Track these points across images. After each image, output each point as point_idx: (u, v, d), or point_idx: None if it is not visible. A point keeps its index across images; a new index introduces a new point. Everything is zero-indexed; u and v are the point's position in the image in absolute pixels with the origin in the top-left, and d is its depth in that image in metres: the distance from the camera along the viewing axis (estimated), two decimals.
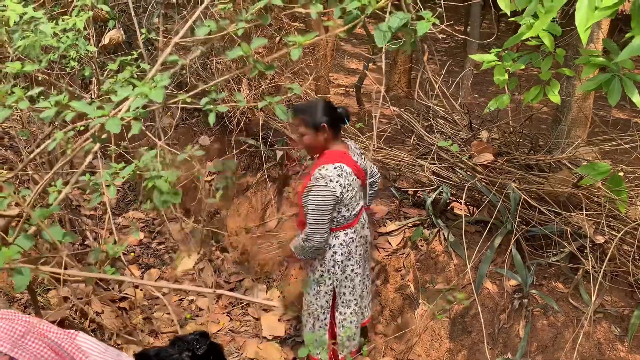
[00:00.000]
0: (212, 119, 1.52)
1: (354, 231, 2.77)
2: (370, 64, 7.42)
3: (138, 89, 1.30)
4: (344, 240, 2.76)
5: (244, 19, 1.72)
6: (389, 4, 1.76)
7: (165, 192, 1.75)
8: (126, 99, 1.39)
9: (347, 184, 2.60)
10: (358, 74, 7.76)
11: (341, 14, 1.66)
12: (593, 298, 2.48)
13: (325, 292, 2.84)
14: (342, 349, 2.95)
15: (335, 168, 2.57)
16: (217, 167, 1.99)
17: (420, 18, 1.76)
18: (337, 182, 2.55)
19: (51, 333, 1.29)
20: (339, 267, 2.79)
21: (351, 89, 7.65)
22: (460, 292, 3.02)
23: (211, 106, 1.55)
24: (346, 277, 2.84)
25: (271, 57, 1.57)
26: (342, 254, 2.78)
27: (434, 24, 1.85)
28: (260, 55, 4.07)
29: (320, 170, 2.56)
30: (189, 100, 1.39)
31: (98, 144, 1.60)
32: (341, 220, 2.69)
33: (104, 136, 1.50)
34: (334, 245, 2.76)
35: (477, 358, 2.89)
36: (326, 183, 2.53)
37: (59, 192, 1.95)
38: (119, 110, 1.41)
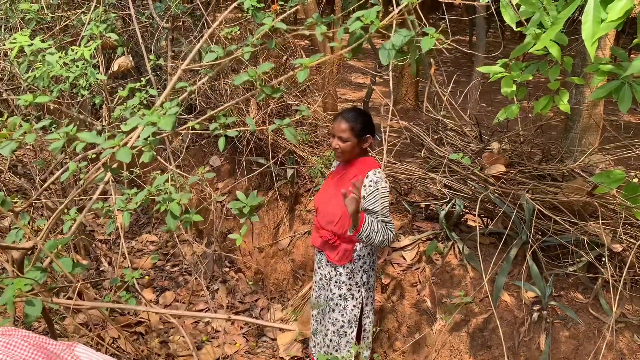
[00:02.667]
0: (221, 144, 1.52)
1: None
2: (377, 78, 7.44)
3: (147, 117, 1.31)
4: (371, 250, 2.82)
5: (250, 44, 1.73)
6: (394, 22, 1.77)
7: (178, 214, 1.76)
8: (136, 127, 1.40)
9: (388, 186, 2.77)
10: (365, 88, 7.77)
11: (345, 33, 1.67)
12: (614, 308, 2.44)
13: (354, 306, 2.83)
14: (362, 358, 2.95)
15: (380, 171, 2.70)
16: (234, 206, 2.00)
17: (424, 34, 1.77)
18: (388, 183, 2.73)
19: (50, 345, 1.29)
20: (367, 277, 2.83)
21: (359, 104, 7.66)
22: (469, 299, 2.99)
23: (220, 131, 1.55)
24: (369, 288, 2.87)
25: (277, 80, 1.58)
26: (369, 264, 2.83)
27: (439, 40, 1.86)
28: (268, 76, 4.09)
29: (375, 173, 2.66)
30: (197, 127, 1.40)
31: (113, 173, 1.61)
32: None
33: (114, 165, 1.51)
34: (363, 255, 2.79)
35: None
36: (386, 182, 2.67)
37: (74, 220, 1.96)
38: (129, 139, 1.42)
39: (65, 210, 1.96)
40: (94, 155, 1.87)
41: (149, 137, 1.32)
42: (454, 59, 12.42)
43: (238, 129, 1.69)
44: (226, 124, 1.73)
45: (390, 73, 2.03)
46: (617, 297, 2.50)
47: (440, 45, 1.90)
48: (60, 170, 1.78)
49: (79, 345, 1.35)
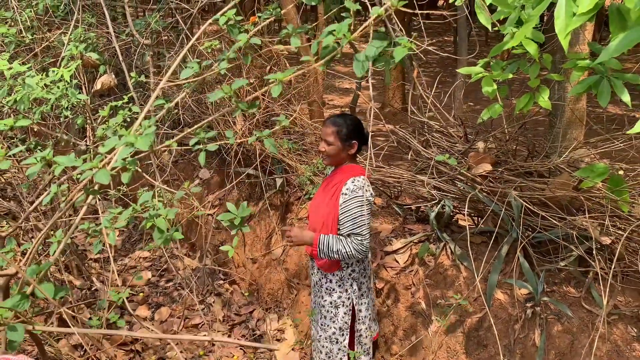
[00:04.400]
0: (202, 159, 1.52)
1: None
2: (363, 82, 7.47)
3: (124, 138, 1.31)
4: (360, 257, 2.79)
5: (225, 58, 1.73)
6: (371, 30, 1.78)
7: (165, 230, 1.76)
8: (114, 148, 1.40)
9: (372, 195, 2.71)
10: (352, 93, 7.80)
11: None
12: (605, 300, 2.45)
13: (345, 313, 2.83)
14: None
15: (363, 179, 2.67)
16: (225, 217, 1.99)
17: (397, 44, 1.78)
18: (370, 191, 2.67)
19: None
20: (357, 285, 2.81)
21: (346, 109, 7.68)
22: (471, 305, 3.00)
23: (200, 146, 1.55)
24: (362, 294, 2.85)
25: (256, 94, 1.58)
26: (359, 271, 2.81)
27: (420, 42, 1.87)
28: (252, 86, 4.10)
29: (353, 181, 2.64)
30: (175, 145, 1.40)
31: (93, 195, 1.60)
32: None
33: (97, 187, 1.51)
34: (352, 263, 2.78)
35: None
36: (363, 193, 2.62)
37: (59, 242, 1.95)
38: (109, 161, 1.41)
39: (52, 233, 1.95)
40: (78, 176, 1.86)
41: (127, 157, 1.32)
42: (439, 59, 12.49)
43: (218, 142, 1.69)
44: (207, 138, 1.73)
45: (370, 80, 2.04)
46: (608, 289, 2.52)
47: (417, 50, 1.91)
48: (44, 194, 1.77)
49: None
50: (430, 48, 2.06)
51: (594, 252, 2.72)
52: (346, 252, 2.60)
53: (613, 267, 2.55)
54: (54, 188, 1.60)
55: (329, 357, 2.90)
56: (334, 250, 2.62)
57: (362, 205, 2.60)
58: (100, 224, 2.07)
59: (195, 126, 1.76)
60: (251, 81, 4.17)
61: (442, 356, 3.08)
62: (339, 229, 2.68)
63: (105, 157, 1.43)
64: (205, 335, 3.95)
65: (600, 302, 2.75)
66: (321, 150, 2.72)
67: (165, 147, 1.57)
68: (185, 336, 1.62)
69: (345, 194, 2.63)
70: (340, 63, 11.65)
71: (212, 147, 1.66)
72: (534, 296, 2.86)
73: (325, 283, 2.82)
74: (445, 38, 16.42)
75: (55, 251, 1.74)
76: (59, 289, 1.63)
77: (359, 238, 2.61)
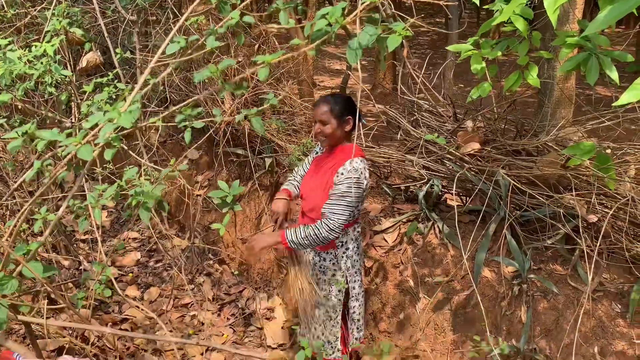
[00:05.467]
0: (187, 136, 1.50)
1: (359, 225, 2.82)
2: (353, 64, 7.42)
3: (108, 114, 1.29)
4: (354, 235, 2.80)
5: (214, 33, 1.71)
6: (358, 19, 1.75)
7: (150, 207, 1.74)
8: (97, 124, 1.38)
9: (369, 177, 2.66)
10: (343, 75, 7.75)
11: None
12: (590, 276, 2.48)
13: (339, 291, 2.84)
14: (353, 340, 2.97)
15: (361, 161, 2.61)
16: (216, 195, 1.97)
17: (391, 31, 1.75)
18: (365, 175, 2.61)
19: None
20: (350, 262, 2.81)
21: (337, 91, 7.64)
22: (459, 283, 3.02)
23: (186, 123, 1.53)
24: (356, 272, 2.86)
25: (242, 75, 1.56)
26: (352, 249, 2.81)
27: (414, 25, 1.85)
28: (241, 65, 4.06)
29: (351, 162, 2.57)
30: (159, 122, 1.38)
31: (77, 171, 1.58)
32: (356, 214, 2.70)
33: (82, 162, 1.49)
34: (346, 242, 2.78)
35: (482, 348, 2.88)
36: (358, 176, 2.55)
37: (45, 219, 1.93)
38: (95, 137, 1.39)
39: (36, 210, 1.93)
40: (63, 153, 1.84)
41: (110, 133, 1.29)
42: (430, 41, 12.44)
43: (205, 119, 1.67)
44: (193, 115, 1.71)
45: (360, 62, 2.01)
46: (593, 266, 2.54)
47: (412, 32, 1.89)
48: (29, 171, 1.75)
49: None
50: (422, 24, 2.04)
51: (580, 230, 2.74)
52: (316, 234, 2.54)
53: (599, 244, 2.57)
54: (37, 164, 1.57)
55: (323, 334, 2.92)
56: (302, 236, 2.55)
57: (351, 188, 2.54)
58: (86, 202, 2.05)
59: (182, 104, 1.74)
60: (239, 60, 4.13)
61: (430, 333, 3.11)
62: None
63: (90, 133, 1.41)
64: (194, 314, 3.96)
65: (586, 279, 2.78)
66: (317, 132, 2.64)
67: (150, 125, 1.55)
68: (179, 339, 1.62)
69: (342, 174, 2.56)
70: (331, 44, 11.57)
71: (198, 124, 1.64)
72: (521, 274, 2.89)
73: (319, 262, 2.82)
74: (437, 20, 16.34)
75: (39, 227, 1.72)
76: (47, 267, 1.61)
77: (335, 218, 2.54)
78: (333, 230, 2.55)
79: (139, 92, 1.62)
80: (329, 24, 1.64)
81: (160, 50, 1.87)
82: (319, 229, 2.55)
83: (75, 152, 1.34)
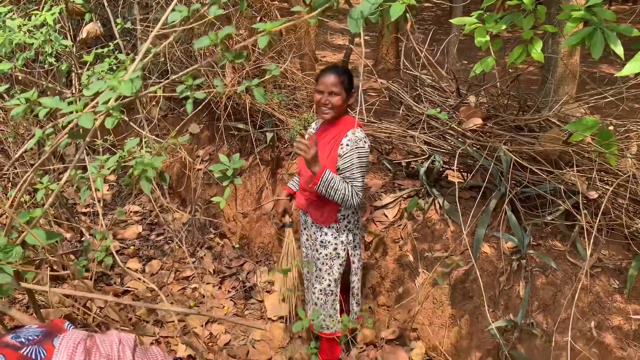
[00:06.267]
0: (189, 107, 1.50)
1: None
2: (356, 38, 7.35)
3: (108, 82, 1.28)
4: (355, 209, 2.83)
5: (216, 2, 1.68)
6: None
7: (151, 178, 1.74)
8: (98, 92, 1.37)
9: (369, 148, 2.71)
10: (345, 50, 7.69)
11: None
12: (588, 252, 2.49)
13: (340, 265, 2.86)
14: (352, 314, 3.02)
15: (361, 131, 2.66)
16: (216, 168, 1.96)
17: None
18: (368, 143, 2.66)
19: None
20: (352, 236, 2.84)
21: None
22: (455, 257, 3.04)
23: (188, 93, 1.52)
24: (355, 246, 2.89)
25: (243, 43, 1.54)
26: (353, 223, 2.84)
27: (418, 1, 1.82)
28: (242, 37, 4.02)
29: (354, 133, 2.61)
30: (159, 92, 1.37)
31: (79, 140, 1.58)
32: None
33: (81, 131, 1.48)
34: (348, 215, 2.80)
35: (480, 322, 2.91)
36: (364, 143, 2.62)
37: (47, 188, 1.94)
38: (95, 105, 1.39)
39: (39, 180, 1.94)
40: (64, 124, 1.84)
41: (109, 101, 1.29)
42: (434, 16, 12.30)
43: (207, 90, 1.66)
44: (195, 86, 1.69)
45: (363, 36, 1.98)
46: (592, 242, 2.55)
47: (417, 3, 1.86)
48: (30, 140, 1.75)
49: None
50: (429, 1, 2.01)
51: (580, 206, 2.75)
52: (344, 195, 2.56)
53: (598, 220, 2.58)
54: (38, 132, 1.57)
55: (323, 308, 2.95)
56: (334, 187, 2.55)
57: (361, 157, 2.59)
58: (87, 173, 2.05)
59: (182, 72, 1.73)
60: (241, 32, 4.09)
61: (428, 307, 3.14)
62: None
63: (91, 101, 1.40)
64: (195, 287, 4.00)
65: (584, 255, 2.80)
66: (324, 103, 2.62)
67: (151, 94, 1.54)
68: (181, 309, 1.63)
69: (348, 145, 2.59)
70: (333, 18, 11.44)
71: (200, 94, 1.63)
72: (520, 249, 2.90)
73: (321, 236, 2.84)
74: None
75: (42, 197, 1.73)
76: (50, 234, 1.62)
77: (357, 189, 2.60)
78: (356, 198, 2.61)
79: (140, 62, 1.61)
80: None
81: (162, 20, 1.85)
82: (349, 191, 2.58)
83: (77, 120, 1.34)
